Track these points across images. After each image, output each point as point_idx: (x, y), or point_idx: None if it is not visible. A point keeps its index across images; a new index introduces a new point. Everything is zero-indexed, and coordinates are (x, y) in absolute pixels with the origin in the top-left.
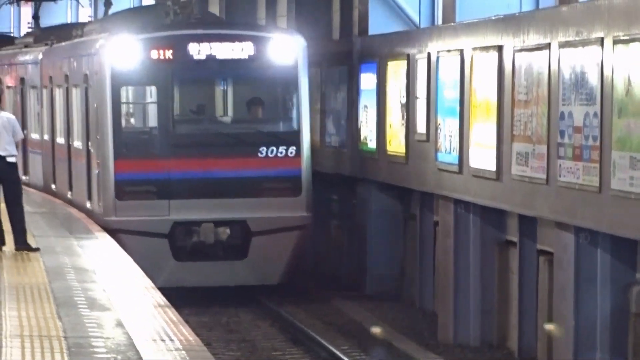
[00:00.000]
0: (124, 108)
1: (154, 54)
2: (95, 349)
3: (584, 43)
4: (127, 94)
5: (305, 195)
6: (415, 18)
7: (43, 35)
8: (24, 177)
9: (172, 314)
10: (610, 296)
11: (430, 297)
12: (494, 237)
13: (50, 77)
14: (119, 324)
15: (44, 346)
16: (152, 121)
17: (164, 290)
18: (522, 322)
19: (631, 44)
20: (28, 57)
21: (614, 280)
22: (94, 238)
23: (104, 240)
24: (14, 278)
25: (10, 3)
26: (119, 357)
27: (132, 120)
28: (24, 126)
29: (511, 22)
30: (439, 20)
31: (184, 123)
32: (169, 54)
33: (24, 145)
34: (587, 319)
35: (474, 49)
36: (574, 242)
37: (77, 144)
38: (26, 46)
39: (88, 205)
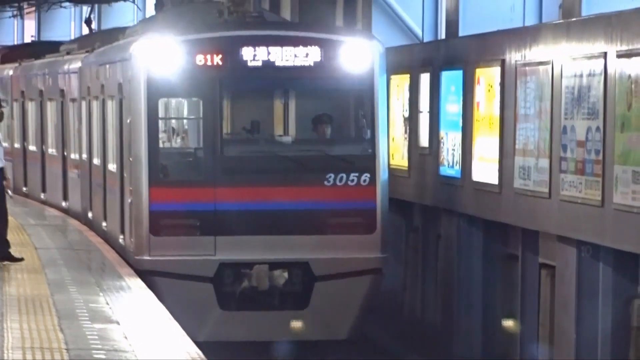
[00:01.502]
0: (161, 124)
1: (200, 60)
2: None
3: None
4: (166, 107)
5: (380, 232)
6: (418, 31)
7: (88, 40)
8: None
9: None
10: (612, 310)
11: None
12: None
13: (88, 88)
14: None
15: None
16: (196, 141)
17: (206, 345)
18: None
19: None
20: (68, 66)
21: (616, 293)
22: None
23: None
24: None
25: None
26: None
27: (172, 140)
28: (63, 145)
29: (515, 37)
30: (442, 33)
31: (235, 144)
32: (217, 59)
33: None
34: (589, 332)
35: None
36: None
37: (112, 166)
38: (68, 53)
39: (121, 240)
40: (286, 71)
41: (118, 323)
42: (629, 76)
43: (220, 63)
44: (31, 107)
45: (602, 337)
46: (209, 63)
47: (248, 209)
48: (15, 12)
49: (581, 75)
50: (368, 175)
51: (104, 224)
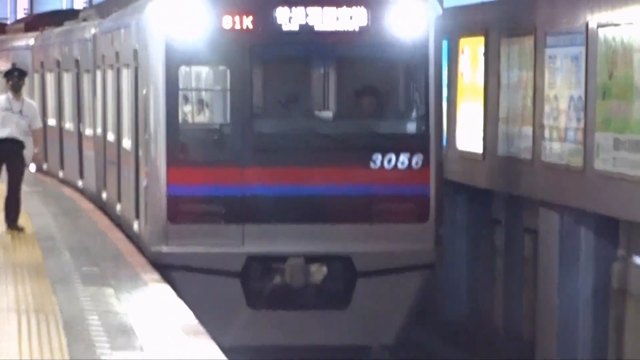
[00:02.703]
0: (182, 96)
1: (227, 22)
2: None
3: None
4: (188, 76)
5: (434, 221)
6: None
7: (106, 5)
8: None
9: None
10: (593, 273)
11: None
12: None
13: (103, 57)
14: None
15: None
16: (222, 115)
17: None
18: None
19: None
20: (83, 34)
21: (597, 257)
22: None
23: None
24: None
25: None
26: None
27: (194, 114)
28: (79, 119)
29: (497, 8)
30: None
31: (267, 119)
32: (247, 22)
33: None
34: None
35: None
36: (556, 220)
37: (126, 143)
38: (85, 20)
39: (135, 227)
40: (327, 36)
41: (108, 282)
42: (610, 46)
43: (250, 26)
44: (49, 79)
45: (584, 300)
46: (237, 26)
47: (281, 193)
48: None
49: (563, 46)
50: (421, 156)
51: (117, 207)
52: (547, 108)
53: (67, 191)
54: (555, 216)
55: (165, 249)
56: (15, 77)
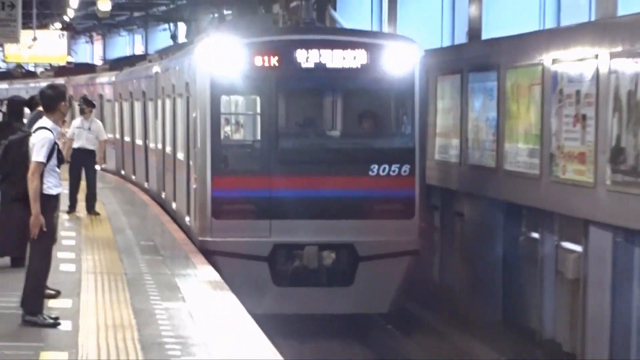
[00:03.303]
0: (223, 119)
1: (258, 60)
2: None
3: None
4: (229, 104)
5: (418, 217)
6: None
7: (166, 50)
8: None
9: None
10: (502, 245)
11: None
12: None
13: (163, 88)
14: None
15: None
16: (254, 134)
17: (261, 317)
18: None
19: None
20: (148, 72)
21: (507, 235)
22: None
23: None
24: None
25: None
26: None
27: (233, 133)
28: (145, 136)
29: (439, 55)
30: None
31: (289, 137)
32: (274, 60)
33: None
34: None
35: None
36: (476, 205)
37: (180, 155)
38: (150, 62)
39: (187, 220)
40: (335, 72)
41: (159, 252)
42: (513, 82)
43: (276, 64)
44: (125, 106)
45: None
46: (266, 64)
47: (300, 195)
48: (87, 40)
49: (481, 82)
50: (408, 166)
51: (173, 204)
52: (470, 125)
53: (133, 188)
54: (477, 202)
55: (209, 238)
56: (84, 106)
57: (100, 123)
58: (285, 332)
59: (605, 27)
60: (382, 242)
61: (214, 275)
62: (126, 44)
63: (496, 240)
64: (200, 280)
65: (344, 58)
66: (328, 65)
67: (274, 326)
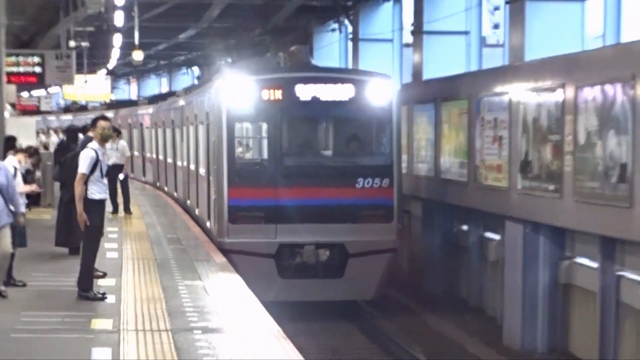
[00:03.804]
0: (237, 142)
1: (265, 94)
2: None
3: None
4: (241, 129)
5: (396, 221)
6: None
7: (191, 87)
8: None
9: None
10: (441, 235)
11: None
12: None
13: (187, 118)
14: None
15: None
16: (263, 154)
17: (269, 304)
18: None
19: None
20: (175, 105)
21: (444, 228)
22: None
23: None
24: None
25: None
26: None
27: (245, 153)
28: (174, 156)
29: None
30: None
31: (291, 156)
32: (278, 94)
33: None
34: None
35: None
36: (422, 206)
37: (202, 170)
38: (178, 96)
39: (207, 224)
40: (328, 103)
41: (181, 243)
42: (447, 111)
43: (280, 97)
44: (160, 132)
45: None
46: (272, 97)
47: (300, 204)
48: (125, 82)
49: (423, 111)
50: (388, 179)
51: (196, 210)
52: (415, 144)
53: (164, 196)
54: (419, 204)
55: (227, 239)
56: (111, 131)
57: (124, 143)
58: (289, 315)
59: (515, 70)
60: (367, 242)
61: (223, 260)
62: (155, 85)
63: (435, 232)
64: (213, 264)
65: (335, 92)
66: (322, 98)
67: (281, 311)
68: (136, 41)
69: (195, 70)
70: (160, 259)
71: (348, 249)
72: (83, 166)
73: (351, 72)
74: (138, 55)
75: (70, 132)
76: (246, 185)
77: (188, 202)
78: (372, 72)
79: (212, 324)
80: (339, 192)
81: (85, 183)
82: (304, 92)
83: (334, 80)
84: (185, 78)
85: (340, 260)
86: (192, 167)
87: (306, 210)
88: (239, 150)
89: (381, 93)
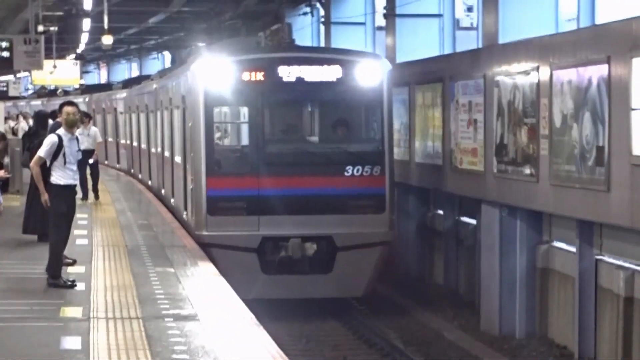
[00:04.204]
0: (216, 127)
1: (246, 76)
2: None
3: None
4: (220, 114)
5: (388, 212)
6: None
7: (165, 70)
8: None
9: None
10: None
11: None
12: None
13: (161, 102)
14: None
15: None
16: (244, 140)
17: (251, 302)
18: None
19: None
20: (149, 89)
21: (418, 212)
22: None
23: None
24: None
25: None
26: None
27: (224, 139)
28: (148, 142)
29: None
30: None
31: (274, 142)
32: (260, 75)
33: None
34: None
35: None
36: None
37: (178, 158)
38: (152, 80)
39: (184, 215)
40: (313, 85)
41: (153, 229)
42: (421, 96)
43: (262, 79)
44: (134, 117)
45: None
46: (253, 79)
47: (284, 194)
48: (95, 67)
49: (398, 95)
50: (379, 167)
51: (171, 200)
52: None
53: (136, 182)
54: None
55: (205, 232)
56: (83, 117)
57: (96, 129)
58: (273, 315)
59: (489, 53)
60: (357, 234)
61: (195, 247)
62: (125, 70)
63: (410, 216)
64: (185, 251)
65: (321, 73)
66: (307, 79)
67: (263, 310)
68: (105, 25)
69: (167, 55)
70: (131, 245)
71: (337, 242)
72: (42, 150)
73: (339, 52)
74: (107, 40)
75: (39, 117)
76: (226, 174)
77: (162, 191)
78: (361, 52)
79: (184, 312)
80: (327, 181)
81: (50, 168)
82: (288, 73)
83: (320, 61)
84: (156, 63)
85: (328, 255)
86: (167, 154)
87: (291, 201)
88: (217, 136)
89: (371, 74)
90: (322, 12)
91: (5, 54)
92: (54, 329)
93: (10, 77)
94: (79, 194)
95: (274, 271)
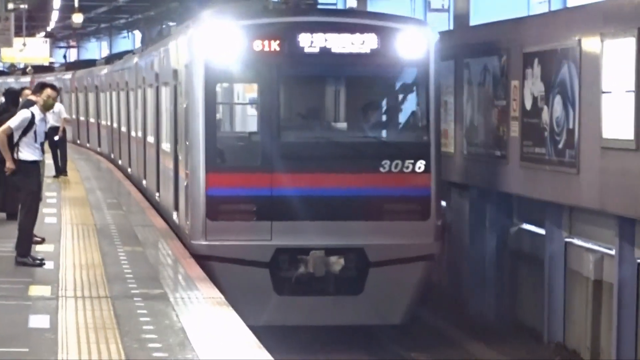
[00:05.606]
0: (219, 110)
1: (258, 45)
2: None
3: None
4: (224, 92)
5: (434, 219)
6: None
7: (148, 44)
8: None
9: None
10: None
11: None
12: None
13: (144, 78)
14: None
15: None
16: (253, 126)
17: (261, 329)
18: None
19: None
20: (130, 64)
21: None
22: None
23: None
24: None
25: None
26: None
27: (229, 125)
28: (128, 125)
29: None
30: None
31: (292, 130)
32: (275, 45)
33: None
34: None
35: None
36: None
37: (166, 145)
38: (134, 54)
39: (175, 217)
40: (342, 58)
41: (122, 209)
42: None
43: (277, 49)
44: (114, 96)
45: None
46: (266, 49)
47: (304, 194)
48: (65, 46)
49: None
50: (423, 162)
51: (156, 194)
52: None
53: (103, 160)
54: None
55: (203, 242)
56: (56, 102)
57: (61, 105)
58: (288, 345)
59: (460, 34)
60: (394, 246)
61: (164, 226)
62: (95, 48)
63: None
64: (153, 230)
65: (351, 43)
66: (334, 50)
67: (276, 339)
68: (76, 4)
69: (137, 34)
70: (100, 224)
71: (369, 256)
72: (13, 121)
73: (375, 16)
74: (78, 18)
75: (10, 94)
76: (230, 168)
77: (144, 182)
78: (402, 17)
79: (153, 291)
80: (357, 178)
81: (17, 145)
82: (310, 42)
83: (351, 28)
84: (125, 42)
85: (359, 271)
86: (151, 139)
87: (312, 203)
88: (221, 121)
89: (415, 45)
90: None
91: None
92: (22, 308)
93: None
94: (52, 172)
95: (290, 291)
